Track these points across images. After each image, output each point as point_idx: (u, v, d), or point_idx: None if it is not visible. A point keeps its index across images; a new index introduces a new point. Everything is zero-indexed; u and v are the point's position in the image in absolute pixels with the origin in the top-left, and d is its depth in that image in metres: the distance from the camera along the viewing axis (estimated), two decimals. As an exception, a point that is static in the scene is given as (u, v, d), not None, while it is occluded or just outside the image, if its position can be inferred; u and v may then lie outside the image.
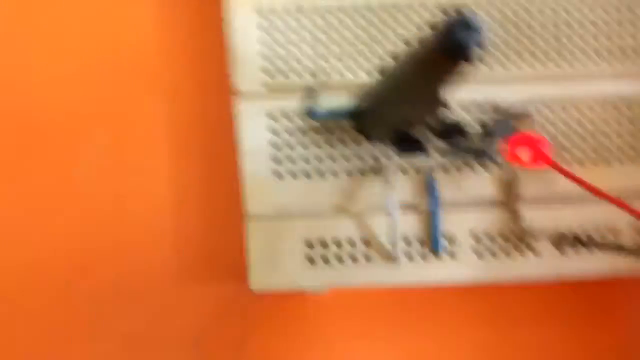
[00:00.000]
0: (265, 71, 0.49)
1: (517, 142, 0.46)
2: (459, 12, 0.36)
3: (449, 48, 0.36)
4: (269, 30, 0.49)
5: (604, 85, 0.49)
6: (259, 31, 0.49)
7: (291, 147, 0.50)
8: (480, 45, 0.36)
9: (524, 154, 0.46)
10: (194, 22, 0.56)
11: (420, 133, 0.48)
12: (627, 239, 0.49)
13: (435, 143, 0.48)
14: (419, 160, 0.49)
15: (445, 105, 0.44)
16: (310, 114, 0.48)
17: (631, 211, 0.45)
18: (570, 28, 0.49)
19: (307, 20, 0.49)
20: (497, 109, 0.49)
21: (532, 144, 0.46)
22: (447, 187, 0.50)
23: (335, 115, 0.48)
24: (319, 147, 0.50)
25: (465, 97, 0.49)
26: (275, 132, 0.50)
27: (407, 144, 0.47)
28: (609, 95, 0.49)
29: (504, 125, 0.48)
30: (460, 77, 0.38)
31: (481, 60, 0.40)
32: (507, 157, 0.46)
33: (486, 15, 0.48)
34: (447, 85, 0.40)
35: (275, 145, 0.50)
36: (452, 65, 0.37)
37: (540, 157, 0.46)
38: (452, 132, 0.48)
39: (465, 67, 0.37)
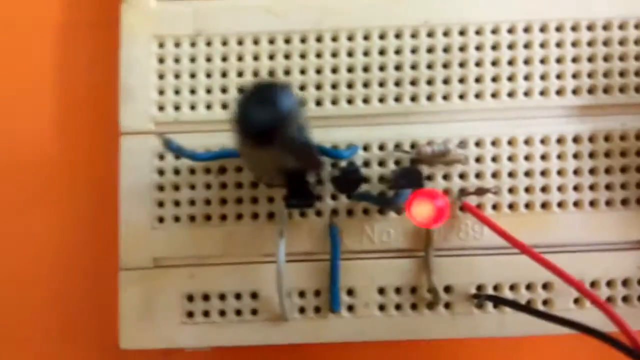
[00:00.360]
0: (156, 105, 0.45)
1: (415, 198, 0.40)
2: (260, 83, 0.31)
3: (241, 129, 0.30)
4: (164, 59, 0.45)
5: (544, 120, 0.43)
6: (154, 61, 0.45)
7: (177, 189, 0.44)
8: (284, 116, 0.30)
9: (422, 211, 0.40)
10: (93, 55, 0.51)
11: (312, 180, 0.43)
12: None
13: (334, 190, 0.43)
14: (320, 203, 0.43)
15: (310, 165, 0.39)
16: (171, 148, 0.41)
17: (546, 264, 0.38)
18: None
19: (206, 47, 0.45)
20: (401, 151, 0.43)
21: (430, 200, 0.40)
22: (350, 234, 0.43)
23: (198, 156, 0.43)
24: (208, 188, 0.44)
25: (378, 136, 0.43)
26: (160, 172, 0.44)
27: (295, 195, 0.41)
28: (550, 130, 0.43)
29: (410, 173, 0.42)
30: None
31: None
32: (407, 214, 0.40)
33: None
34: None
35: (159, 187, 0.44)
36: (258, 145, 0.31)
37: (436, 218, 0.40)
38: (350, 181, 0.42)
39: (275, 143, 0.31)
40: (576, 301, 0.42)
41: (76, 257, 0.49)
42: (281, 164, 0.37)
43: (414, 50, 0.44)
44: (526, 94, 0.43)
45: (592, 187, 0.42)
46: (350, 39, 0.44)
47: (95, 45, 0.50)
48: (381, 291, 0.43)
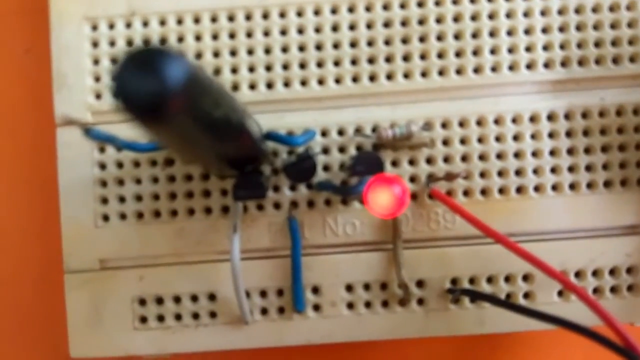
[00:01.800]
0: (93, 93, 0.39)
1: (371, 187, 0.35)
2: (137, 49, 0.24)
3: (120, 102, 0.24)
4: (98, 43, 0.39)
5: (514, 97, 0.39)
6: (87, 45, 0.39)
7: (121, 183, 0.39)
8: (171, 87, 0.23)
9: (380, 200, 0.35)
10: (24, 44, 0.45)
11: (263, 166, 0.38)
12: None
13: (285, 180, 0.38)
14: (278, 195, 0.38)
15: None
16: (95, 138, 0.35)
17: (523, 254, 0.34)
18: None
19: (143, 28, 0.39)
20: (361, 133, 0.38)
21: (388, 187, 0.35)
22: (312, 227, 0.38)
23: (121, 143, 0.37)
24: (155, 182, 0.39)
25: (337, 120, 0.39)
26: (102, 166, 0.39)
27: (243, 185, 0.36)
28: (522, 107, 0.38)
29: (369, 159, 0.37)
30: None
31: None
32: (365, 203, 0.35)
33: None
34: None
35: (101, 182, 0.39)
36: (144, 122, 0.24)
37: (395, 208, 0.35)
38: (303, 169, 0.37)
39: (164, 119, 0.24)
40: (560, 293, 0.38)
41: (22, 260, 0.43)
42: (206, 149, 0.31)
43: (369, 25, 0.39)
44: (494, 69, 0.38)
45: (571, 169, 0.38)
46: (299, 14, 0.39)
47: (27, 33, 0.43)
48: (349, 288, 0.38)
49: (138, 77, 0.23)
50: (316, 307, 0.38)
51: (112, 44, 0.39)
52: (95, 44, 0.39)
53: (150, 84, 0.23)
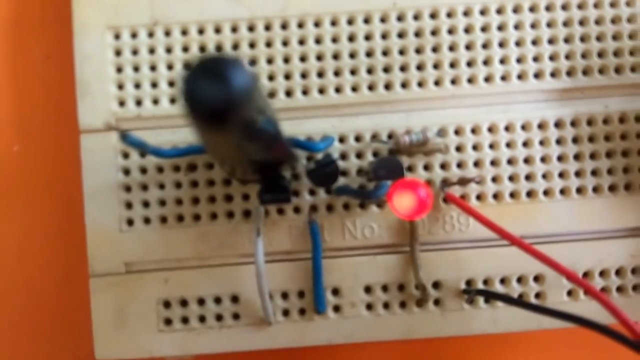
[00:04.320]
0: (116, 100, 0.37)
1: (395, 189, 0.34)
2: (208, 56, 0.24)
3: (189, 107, 0.23)
4: (121, 51, 0.38)
5: (523, 105, 0.38)
6: (110, 53, 0.38)
7: (145, 188, 0.37)
8: (237, 94, 0.23)
9: (403, 202, 0.34)
10: (47, 51, 0.42)
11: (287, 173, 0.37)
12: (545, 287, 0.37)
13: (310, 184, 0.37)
14: (298, 199, 0.37)
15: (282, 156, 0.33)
16: (131, 143, 0.34)
17: (538, 255, 0.33)
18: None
19: (165, 37, 0.38)
20: (379, 141, 0.37)
21: (412, 190, 0.34)
22: (332, 230, 0.37)
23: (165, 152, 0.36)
24: (178, 187, 0.37)
25: (354, 127, 0.37)
26: (126, 172, 0.37)
27: (269, 190, 0.35)
28: (531, 115, 0.37)
29: (390, 164, 0.36)
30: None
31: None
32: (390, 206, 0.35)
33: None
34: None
35: (125, 187, 0.37)
36: (208, 126, 0.24)
37: (418, 209, 0.34)
38: (327, 174, 0.36)
39: (228, 125, 0.24)
40: (569, 293, 0.37)
41: (45, 265, 0.41)
42: (245, 153, 0.30)
43: (384, 36, 0.38)
44: (503, 78, 0.37)
45: (578, 174, 0.37)
46: (317, 25, 0.38)
47: (48, 40, 0.41)
48: (367, 289, 0.37)
49: (208, 84, 0.23)
50: (336, 308, 0.37)
51: (134, 52, 0.38)
52: (118, 53, 0.38)
53: (219, 91, 0.23)
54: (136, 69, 0.38)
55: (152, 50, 0.38)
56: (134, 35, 0.38)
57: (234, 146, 0.28)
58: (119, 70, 0.38)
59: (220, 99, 0.23)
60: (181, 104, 0.23)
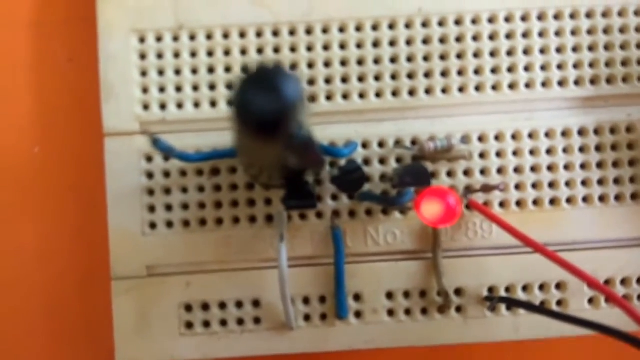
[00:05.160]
0: (141, 104, 0.37)
1: (424, 197, 0.34)
2: (264, 67, 0.23)
3: (242, 117, 0.23)
4: (146, 55, 0.37)
5: (547, 112, 0.37)
6: (135, 57, 0.37)
7: (168, 192, 0.37)
8: (289, 106, 0.23)
9: (431, 210, 0.34)
10: (71, 54, 0.41)
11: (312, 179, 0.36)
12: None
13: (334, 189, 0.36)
14: (321, 205, 0.37)
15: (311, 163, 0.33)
16: (160, 148, 0.35)
17: (561, 262, 0.33)
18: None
19: (190, 41, 0.37)
20: (403, 146, 0.37)
21: (441, 199, 0.34)
22: (354, 236, 0.37)
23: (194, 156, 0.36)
24: (201, 191, 0.37)
25: (378, 132, 0.37)
26: (149, 175, 0.37)
27: (294, 195, 0.34)
28: (555, 123, 0.37)
29: (416, 171, 0.35)
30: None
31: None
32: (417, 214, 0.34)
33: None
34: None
35: (149, 191, 0.37)
36: (259, 136, 0.24)
37: (447, 217, 0.34)
38: (353, 180, 0.36)
39: (278, 135, 0.24)
40: (591, 301, 0.36)
41: (67, 267, 0.40)
42: (281, 160, 0.30)
43: (409, 42, 0.37)
44: (527, 85, 0.37)
45: (600, 182, 0.36)
46: (342, 30, 0.37)
47: (72, 42, 0.40)
48: (389, 295, 0.36)
49: (263, 95, 0.22)
50: (358, 314, 0.36)
51: (159, 56, 0.37)
52: (142, 56, 0.37)
53: (273, 103, 0.22)
54: (161, 72, 0.37)
55: (176, 54, 0.37)
56: (159, 39, 0.37)
57: (273, 154, 0.27)
58: (144, 73, 0.37)
59: (274, 111, 0.22)
60: (232, 111, 0.23)
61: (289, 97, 0.22)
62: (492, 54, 0.37)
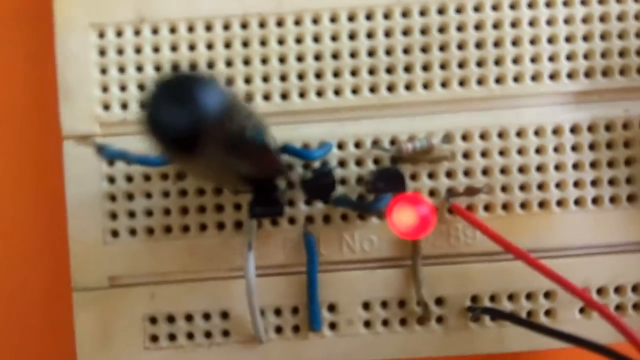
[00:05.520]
0: (100, 104, 0.35)
1: (396, 206, 0.31)
2: (172, 75, 0.20)
3: (152, 134, 0.19)
4: (106, 51, 0.35)
5: (537, 108, 0.34)
6: (94, 54, 0.35)
7: (130, 198, 0.34)
8: (208, 118, 0.19)
9: (404, 220, 0.31)
10: (27, 52, 0.38)
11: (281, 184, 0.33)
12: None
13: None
14: (294, 210, 0.34)
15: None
16: (109, 155, 0.32)
17: (544, 271, 0.30)
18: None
19: (152, 35, 0.35)
20: (379, 146, 0.34)
21: (414, 207, 0.31)
22: (328, 243, 0.34)
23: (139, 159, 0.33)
24: (166, 196, 0.34)
25: (354, 132, 0.34)
26: (111, 180, 0.34)
27: (260, 202, 0.32)
28: (545, 119, 0.34)
29: (390, 175, 0.33)
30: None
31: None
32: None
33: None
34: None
35: (110, 197, 0.34)
36: (174, 153, 0.20)
37: (420, 228, 0.31)
38: (322, 186, 0.33)
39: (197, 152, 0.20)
40: (582, 311, 0.33)
41: (29, 278, 0.38)
42: (229, 171, 0.27)
43: (387, 33, 0.34)
44: (516, 79, 0.34)
45: (594, 183, 0.33)
46: (315, 22, 0.34)
47: (31, 40, 0.38)
48: (366, 306, 0.34)
49: (172, 108, 0.19)
50: (332, 326, 0.34)
51: (120, 52, 0.35)
52: (102, 53, 0.35)
53: (186, 115, 0.19)
54: (121, 69, 0.34)
55: (138, 50, 0.35)
56: (119, 34, 0.35)
57: (214, 167, 0.24)
58: (103, 71, 0.35)
59: (189, 125, 0.19)
60: (144, 131, 0.20)
61: (207, 108, 0.19)
62: (478, 45, 0.34)
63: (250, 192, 0.32)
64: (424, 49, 0.34)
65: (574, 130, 0.34)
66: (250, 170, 0.28)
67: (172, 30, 0.35)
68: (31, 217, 0.38)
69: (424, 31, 0.34)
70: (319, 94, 0.34)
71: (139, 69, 0.34)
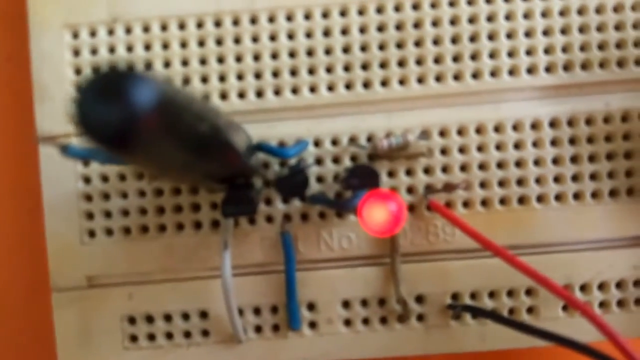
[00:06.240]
0: (75, 104, 0.34)
1: (365, 203, 0.30)
2: (102, 72, 0.19)
3: (83, 131, 0.19)
4: (80, 51, 0.34)
5: (515, 103, 0.33)
6: (68, 54, 0.34)
7: (106, 198, 0.34)
8: (141, 114, 0.18)
9: (375, 218, 0.30)
10: (8, 51, 0.38)
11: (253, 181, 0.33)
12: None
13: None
14: (271, 208, 0.33)
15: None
16: (73, 155, 0.30)
17: (523, 268, 0.29)
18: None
19: (126, 35, 0.34)
20: (355, 144, 0.33)
21: (384, 204, 0.30)
22: (306, 241, 0.33)
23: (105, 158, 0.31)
24: (142, 196, 0.34)
25: (330, 129, 0.33)
26: (86, 180, 0.34)
27: (232, 201, 0.31)
28: (523, 114, 0.33)
29: (363, 172, 0.32)
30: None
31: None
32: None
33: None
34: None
35: (86, 197, 0.34)
36: (110, 150, 0.19)
37: (391, 226, 0.30)
38: (295, 184, 0.32)
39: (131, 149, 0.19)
40: (564, 308, 0.33)
41: (8, 279, 0.37)
42: (189, 169, 0.26)
43: (362, 29, 0.33)
44: (493, 74, 0.33)
45: (575, 178, 0.33)
46: (289, 19, 0.34)
47: (10, 40, 0.37)
48: (345, 304, 0.33)
49: (102, 104, 0.18)
50: (312, 325, 0.33)
51: (94, 52, 0.34)
52: (76, 53, 0.34)
53: (115, 111, 0.18)
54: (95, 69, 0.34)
55: (112, 49, 0.34)
56: (92, 34, 0.34)
57: (166, 164, 0.24)
58: (78, 71, 0.34)
59: (119, 120, 0.18)
60: (77, 130, 0.19)
61: (136, 104, 0.18)
62: (454, 40, 0.33)
63: (224, 190, 0.31)
64: (399, 45, 0.33)
65: (553, 124, 0.33)
66: (215, 168, 0.27)
67: (146, 29, 0.34)
68: (9, 218, 0.38)
69: (398, 27, 0.33)
70: (294, 91, 0.33)
71: (114, 68, 0.34)
